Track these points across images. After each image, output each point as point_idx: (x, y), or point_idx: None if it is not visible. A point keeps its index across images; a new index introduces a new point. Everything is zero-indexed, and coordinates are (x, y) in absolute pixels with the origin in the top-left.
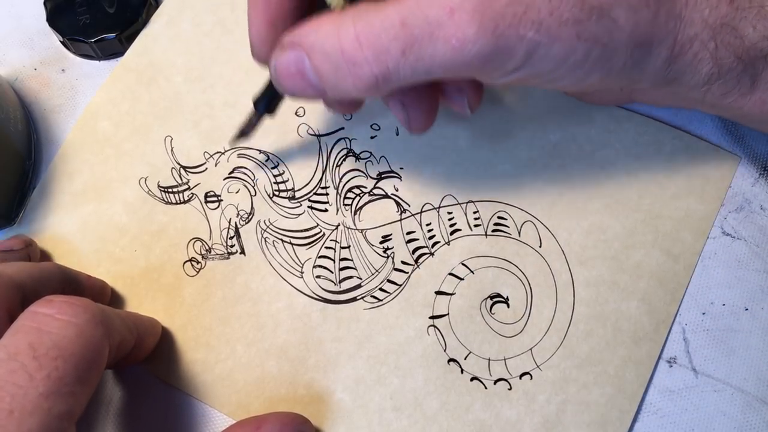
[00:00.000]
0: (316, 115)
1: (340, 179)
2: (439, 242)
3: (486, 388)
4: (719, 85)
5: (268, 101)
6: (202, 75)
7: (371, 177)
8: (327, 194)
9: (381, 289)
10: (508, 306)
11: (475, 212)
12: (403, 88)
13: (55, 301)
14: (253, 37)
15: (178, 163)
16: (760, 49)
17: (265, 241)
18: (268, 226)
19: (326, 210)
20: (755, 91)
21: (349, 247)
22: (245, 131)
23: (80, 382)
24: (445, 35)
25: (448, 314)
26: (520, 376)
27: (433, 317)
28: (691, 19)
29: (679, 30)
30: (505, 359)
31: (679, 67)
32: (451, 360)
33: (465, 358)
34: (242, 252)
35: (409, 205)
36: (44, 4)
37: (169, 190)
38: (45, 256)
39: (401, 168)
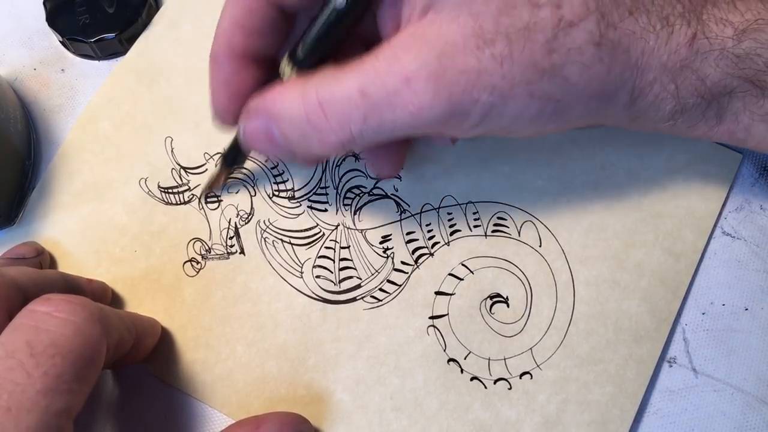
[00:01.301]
0: None
1: (340, 179)
2: (438, 243)
3: (486, 387)
4: (684, 120)
5: (235, 156)
6: (202, 76)
7: (371, 177)
8: (327, 194)
9: (381, 290)
10: (508, 306)
11: (474, 213)
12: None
13: (53, 299)
14: (215, 107)
15: (179, 164)
16: (724, 86)
17: (265, 241)
18: (267, 226)
19: (326, 210)
20: (722, 123)
21: (348, 247)
22: (215, 185)
23: (78, 380)
24: (403, 102)
25: (447, 314)
26: (520, 376)
27: (432, 317)
28: (648, 66)
29: (637, 77)
30: (505, 359)
31: (640, 108)
32: (450, 360)
33: (465, 358)
34: (242, 252)
35: (409, 206)
36: (44, 4)
37: (170, 190)
38: (53, 265)
39: (401, 168)
